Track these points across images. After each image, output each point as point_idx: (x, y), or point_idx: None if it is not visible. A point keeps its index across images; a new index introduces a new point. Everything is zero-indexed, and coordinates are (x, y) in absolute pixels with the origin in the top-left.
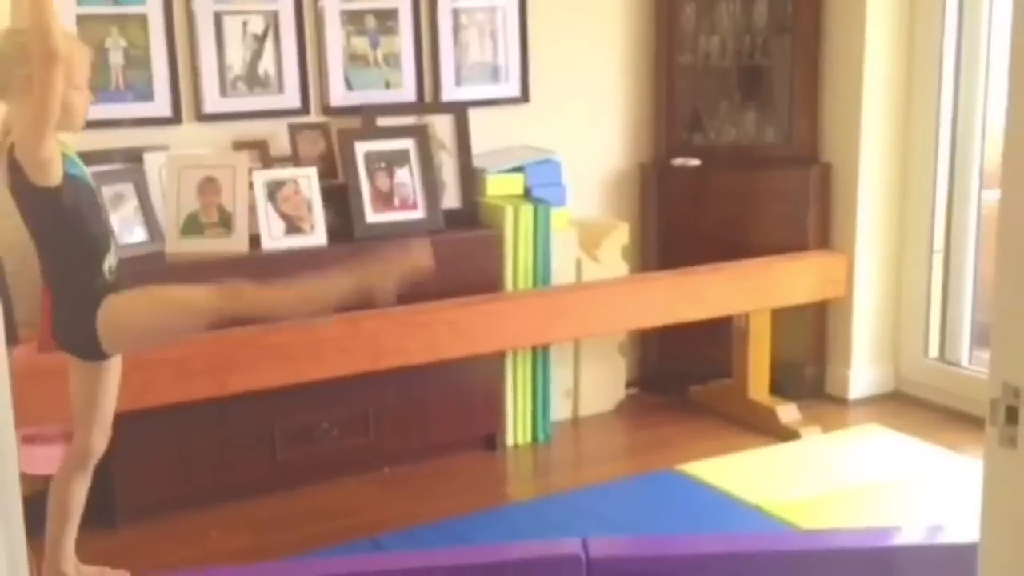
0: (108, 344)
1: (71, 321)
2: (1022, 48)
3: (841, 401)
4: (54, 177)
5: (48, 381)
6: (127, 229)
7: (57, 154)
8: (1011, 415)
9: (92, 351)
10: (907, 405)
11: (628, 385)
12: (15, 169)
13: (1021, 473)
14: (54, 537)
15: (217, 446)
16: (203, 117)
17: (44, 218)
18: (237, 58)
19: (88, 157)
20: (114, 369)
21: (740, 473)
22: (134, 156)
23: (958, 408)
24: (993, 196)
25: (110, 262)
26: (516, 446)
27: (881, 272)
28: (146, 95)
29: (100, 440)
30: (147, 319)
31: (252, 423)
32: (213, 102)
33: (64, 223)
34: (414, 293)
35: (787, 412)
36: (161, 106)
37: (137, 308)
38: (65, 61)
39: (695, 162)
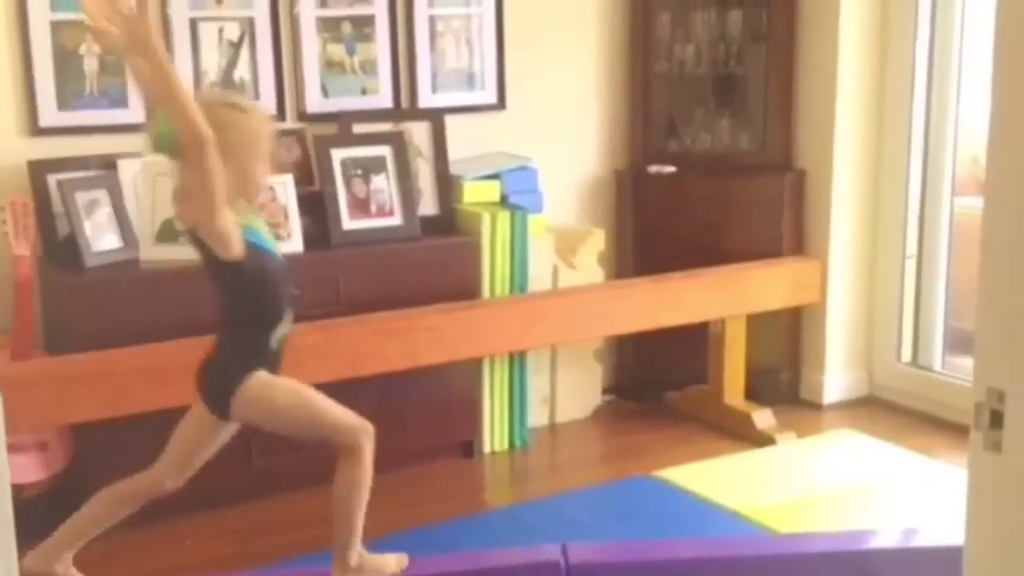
0: (237, 411)
1: (219, 372)
2: (1005, 56)
3: (815, 406)
4: (236, 250)
5: (22, 390)
6: (101, 236)
7: (234, 227)
8: (995, 419)
9: (221, 408)
10: (880, 410)
11: (605, 391)
12: (199, 244)
13: (1006, 477)
14: (66, 538)
15: None
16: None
17: (226, 287)
18: (213, 64)
19: (62, 164)
20: (228, 431)
21: (717, 478)
22: (108, 163)
23: (931, 413)
24: (965, 202)
25: (280, 333)
26: (494, 453)
27: (855, 278)
28: (121, 102)
29: (175, 482)
30: (282, 412)
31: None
32: None
33: (244, 293)
34: (393, 300)
35: (763, 418)
36: (136, 113)
37: (278, 395)
38: (248, 137)
39: (670, 169)
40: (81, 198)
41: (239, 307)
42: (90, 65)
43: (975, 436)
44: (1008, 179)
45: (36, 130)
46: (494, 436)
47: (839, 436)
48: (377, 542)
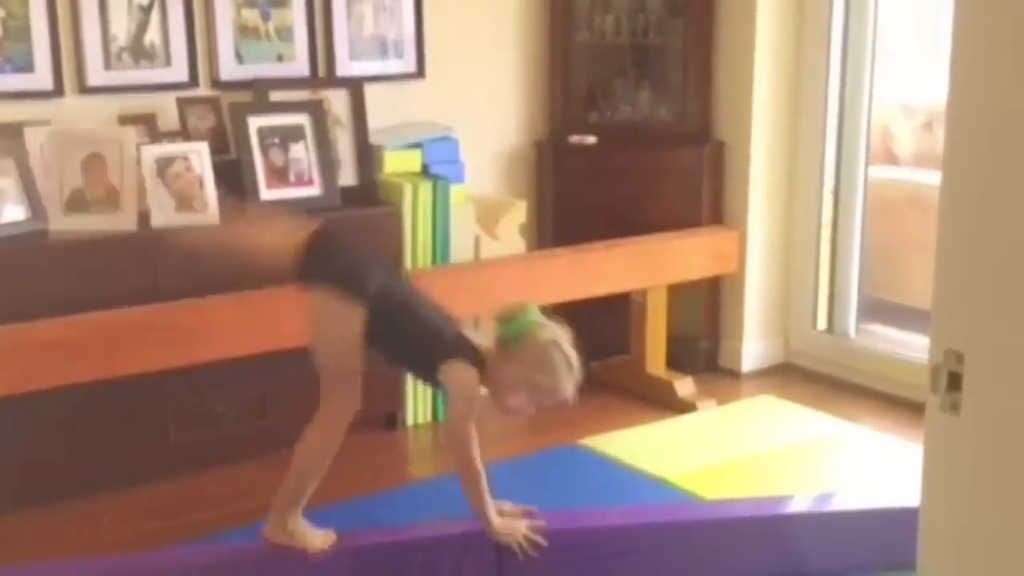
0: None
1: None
2: (963, 33)
3: (734, 374)
4: None
5: None
6: (7, 206)
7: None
8: (954, 381)
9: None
10: (797, 376)
11: None
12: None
13: (963, 439)
14: (294, 495)
15: (108, 430)
16: (87, 90)
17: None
18: (122, 29)
19: None
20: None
21: (641, 446)
22: (14, 131)
23: (846, 379)
24: (878, 173)
25: None
26: (416, 425)
27: (772, 248)
28: (26, 66)
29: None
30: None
31: (145, 406)
32: (97, 74)
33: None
34: None
35: (684, 386)
36: (42, 78)
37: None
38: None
39: (591, 139)
40: None
41: None
42: None
43: (932, 399)
44: (964, 146)
45: None
46: (417, 409)
47: (759, 403)
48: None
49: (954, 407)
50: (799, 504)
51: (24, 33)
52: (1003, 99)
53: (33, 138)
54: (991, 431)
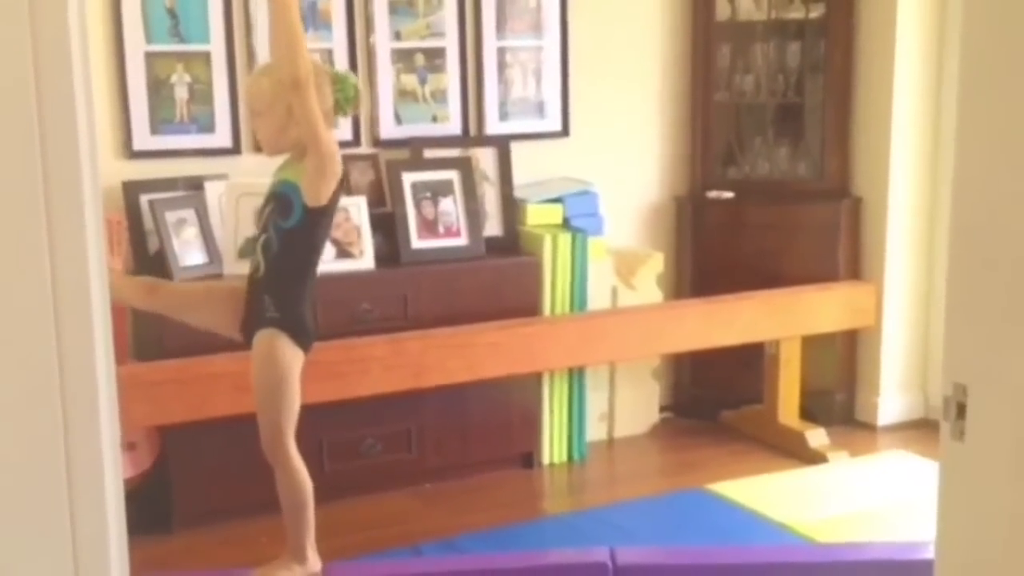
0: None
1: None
2: (971, 64)
3: (870, 427)
4: (326, 191)
5: None
6: (188, 251)
7: (337, 149)
8: (960, 410)
9: (246, 329)
10: (935, 432)
11: (662, 409)
12: (279, 198)
13: (970, 462)
14: (306, 520)
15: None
16: (261, 148)
17: (294, 242)
18: None
19: (153, 185)
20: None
21: (768, 493)
22: (196, 184)
23: None
24: None
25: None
26: (552, 464)
27: (910, 301)
28: (208, 127)
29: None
30: (265, 380)
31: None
32: None
33: (311, 246)
34: (458, 316)
35: (816, 437)
36: (222, 137)
37: (277, 369)
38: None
39: (729, 195)
40: (170, 217)
41: (300, 262)
42: (180, 93)
43: (944, 427)
44: (974, 184)
45: (130, 153)
46: (553, 448)
47: (892, 456)
48: (439, 543)
49: (960, 434)
50: (919, 551)
51: (208, 97)
52: (1011, 153)
53: (213, 191)
54: (990, 454)
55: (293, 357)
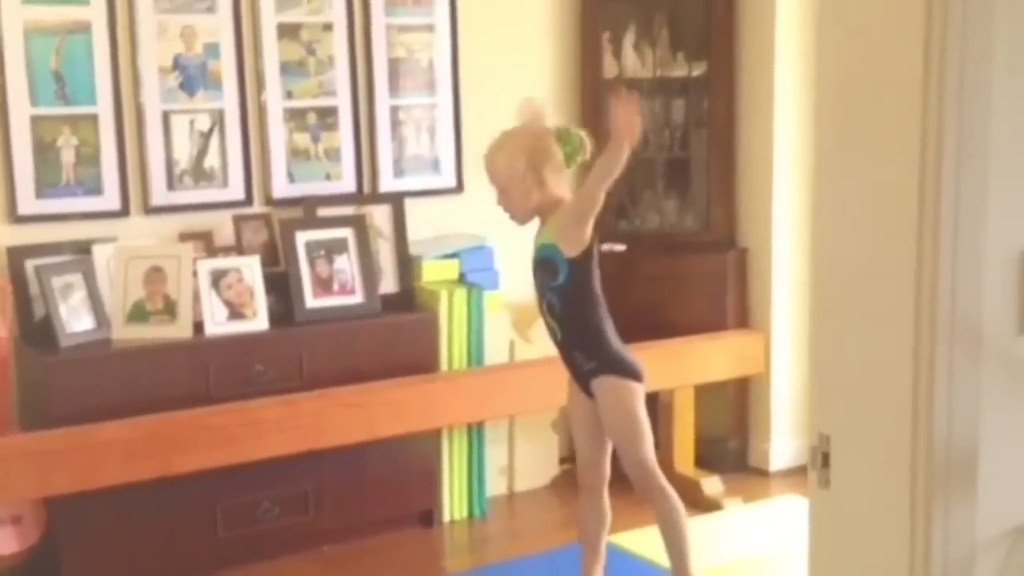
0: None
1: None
2: (825, 114)
3: (763, 473)
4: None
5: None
6: (76, 317)
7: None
8: (825, 459)
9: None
10: None
11: (561, 461)
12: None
13: (835, 508)
14: (689, 545)
15: (161, 525)
16: (151, 210)
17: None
18: (184, 154)
19: (39, 250)
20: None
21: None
22: (83, 248)
23: None
24: None
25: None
26: (453, 521)
27: (797, 348)
28: (95, 190)
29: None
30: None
31: (195, 502)
32: (160, 195)
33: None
34: (354, 374)
35: (711, 484)
36: (110, 200)
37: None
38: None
39: (621, 247)
40: (56, 282)
41: (587, 310)
42: (67, 156)
43: (811, 475)
44: (831, 249)
45: (15, 218)
46: (453, 505)
47: (784, 501)
48: None
49: (826, 482)
50: None
51: (95, 159)
52: (862, 221)
53: (101, 254)
54: (853, 501)
55: (628, 393)
